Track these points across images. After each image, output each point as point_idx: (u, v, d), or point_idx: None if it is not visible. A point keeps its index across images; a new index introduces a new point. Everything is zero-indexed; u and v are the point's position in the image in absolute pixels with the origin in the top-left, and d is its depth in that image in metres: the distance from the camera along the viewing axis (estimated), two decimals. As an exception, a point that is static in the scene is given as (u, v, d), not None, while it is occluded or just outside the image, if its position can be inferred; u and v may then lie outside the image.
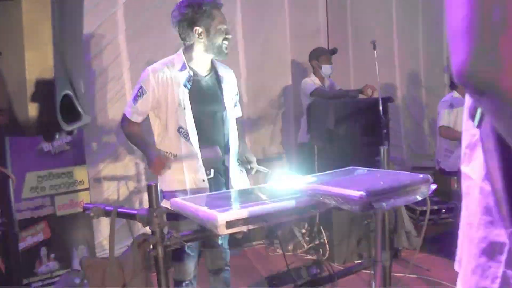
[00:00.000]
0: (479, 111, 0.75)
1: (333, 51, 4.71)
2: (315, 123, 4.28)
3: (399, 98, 6.17)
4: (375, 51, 3.96)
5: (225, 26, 2.49)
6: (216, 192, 2.12)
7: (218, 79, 2.58)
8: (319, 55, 4.62)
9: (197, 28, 2.45)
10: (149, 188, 1.66)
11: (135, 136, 2.56)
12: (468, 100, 0.87)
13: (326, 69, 4.61)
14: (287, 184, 2.07)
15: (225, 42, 2.48)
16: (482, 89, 0.58)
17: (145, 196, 4.33)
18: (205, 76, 2.56)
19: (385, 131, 3.90)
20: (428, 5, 6.30)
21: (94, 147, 4.04)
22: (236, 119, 2.74)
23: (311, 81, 4.59)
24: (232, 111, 2.64)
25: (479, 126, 0.78)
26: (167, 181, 2.49)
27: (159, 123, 2.51)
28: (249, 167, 2.63)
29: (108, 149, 4.12)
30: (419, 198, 1.77)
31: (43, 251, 3.61)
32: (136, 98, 2.48)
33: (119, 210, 1.79)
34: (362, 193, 1.54)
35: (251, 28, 4.94)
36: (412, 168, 5.61)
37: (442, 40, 6.47)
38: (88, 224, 3.85)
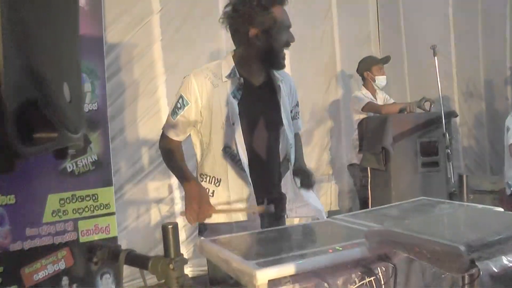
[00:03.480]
0: None
1: (386, 60, 4.24)
2: (369, 142, 3.83)
3: (457, 112, 5.62)
4: (436, 58, 3.49)
5: (288, 29, 2.02)
6: (258, 231, 1.68)
7: (274, 89, 2.12)
8: (371, 65, 4.19)
9: (252, 28, 1.98)
10: (164, 230, 1.25)
11: (173, 159, 2.09)
12: None
13: (380, 80, 4.17)
14: (348, 223, 1.63)
15: (285, 51, 2.03)
16: None
17: (180, 221, 3.99)
18: (259, 85, 2.10)
19: (448, 150, 3.40)
20: (488, 8, 5.77)
21: (122, 167, 3.70)
22: (296, 134, 2.29)
23: (362, 95, 4.17)
24: (290, 127, 2.16)
25: None
26: None
27: (201, 140, 2.09)
28: (305, 182, 2.08)
29: (138, 169, 3.79)
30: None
31: (65, 280, 3.27)
32: (175, 111, 2.04)
33: (129, 253, 1.40)
34: (461, 247, 1.08)
35: (297, 38, 4.54)
36: (474, 191, 5.04)
37: (505, 47, 5.91)
38: (115, 251, 3.51)
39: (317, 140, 4.76)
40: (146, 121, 3.79)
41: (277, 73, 2.14)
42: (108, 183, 3.47)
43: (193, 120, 2.04)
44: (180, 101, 2.03)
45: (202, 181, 2.10)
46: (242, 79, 2.03)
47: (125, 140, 3.71)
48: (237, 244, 1.48)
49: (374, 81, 4.17)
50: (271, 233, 1.62)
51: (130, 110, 3.74)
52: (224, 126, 2.00)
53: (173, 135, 2.08)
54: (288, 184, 2.14)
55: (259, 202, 2.03)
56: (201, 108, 2.02)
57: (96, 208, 3.40)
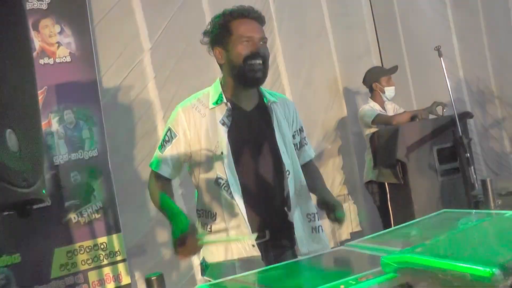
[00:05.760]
0: None
1: (394, 70, 4.08)
2: (382, 156, 3.63)
3: (470, 113, 5.43)
4: (441, 59, 3.35)
5: (250, 40, 1.87)
6: (262, 269, 1.51)
7: (268, 113, 1.99)
8: (379, 76, 4.02)
9: (216, 49, 1.94)
10: (148, 282, 1.10)
11: (162, 199, 1.92)
12: None
13: (389, 91, 4.00)
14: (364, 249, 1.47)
15: (251, 63, 1.86)
16: None
17: (195, 261, 3.80)
18: (250, 110, 1.98)
19: (467, 154, 3.22)
20: (489, 2, 5.59)
21: (130, 211, 3.54)
22: (309, 162, 2.16)
23: (371, 107, 3.99)
24: (292, 152, 2.01)
25: None
26: (210, 249, 1.92)
27: (194, 174, 1.98)
28: (333, 216, 1.89)
29: (146, 212, 3.62)
30: None
31: (81, 335, 3.14)
32: (163, 144, 1.94)
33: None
34: (495, 271, 0.91)
35: (293, 57, 4.43)
36: (499, 195, 4.78)
37: (512, 39, 5.74)
38: (130, 300, 3.35)
39: (328, 161, 4.54)
40: (148, 162, 3.66)
41: (269, 95, 2.02)
42: (116, 229, 3.35)
43: (183, 153, 1.93)
44: (168, 133, 1.93)
45: (199, 217, 1.97)
46: (229, 104, 1.92)
47: (131, 184, 3.55)
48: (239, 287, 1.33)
49: (384, 92, 4.01)
50: (277, 269, 1.45)
51: (134, 153, 3.61)
52: (214, 156, 1.88)
53: (162, 171, 1.95)
54: (296, 220, 1.95)
55: (260, 235, 1.88)
56: (190, 140, 1.91)
57: (106, 257, 3.28)
